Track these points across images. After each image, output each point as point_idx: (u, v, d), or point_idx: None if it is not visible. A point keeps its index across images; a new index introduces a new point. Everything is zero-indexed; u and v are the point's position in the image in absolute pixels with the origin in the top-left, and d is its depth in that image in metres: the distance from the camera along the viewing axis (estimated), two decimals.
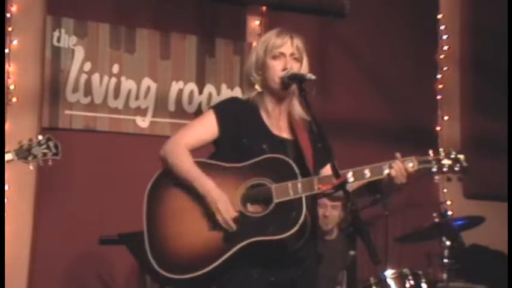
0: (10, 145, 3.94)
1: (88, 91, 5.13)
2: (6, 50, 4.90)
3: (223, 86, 5.48)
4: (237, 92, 5.54)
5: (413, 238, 5.03)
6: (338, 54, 5.91)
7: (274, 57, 3.11)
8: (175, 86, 5.40)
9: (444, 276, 4.79)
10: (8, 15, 4.93)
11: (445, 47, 6.33)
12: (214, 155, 3.13)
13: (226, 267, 2.93)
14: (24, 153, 3.54)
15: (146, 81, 5.31)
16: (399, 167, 3.04)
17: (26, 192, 4.92)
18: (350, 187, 2.99)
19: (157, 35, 5.37)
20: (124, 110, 5.24)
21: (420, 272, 4.54)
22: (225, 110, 3.14)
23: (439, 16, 6.36)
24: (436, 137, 6.27)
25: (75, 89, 5.09)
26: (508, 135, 5.70)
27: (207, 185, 2.98)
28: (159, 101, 5.32)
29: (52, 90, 5.04)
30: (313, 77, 3.06)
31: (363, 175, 3.04)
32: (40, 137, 3.59)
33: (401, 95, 6.15)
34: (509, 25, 6.02)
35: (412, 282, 4.44)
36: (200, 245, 2.96)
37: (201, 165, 3.04)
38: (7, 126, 4.74)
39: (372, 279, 4.39)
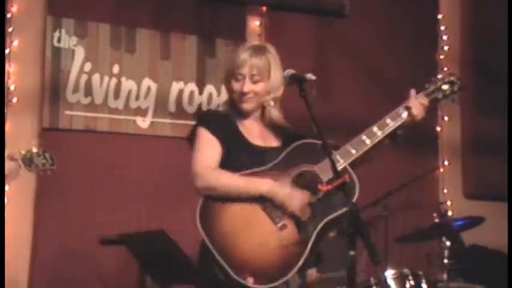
0: (10, 146, 3.93)
1: (88, 91, 5.13)
2: (7, 51, 4.90)
3: (224, 87, 5.47)
4: None
5: (413, 238, 5.02)
6: (338, 54, 5.91)
7: (236, 79, 3.20)
8: (176, 86, 5.40)
9: (445, 276, 4.78)
10: (9, 15, 4.93)
11: (445, 47, 6.33)
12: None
13: (313, 254, 3.01)
14: (28, 162, 3.67)
15: (147, 82, 5.31)
16: (417, 104, 3.30)
17: (26, 192, 4.91)
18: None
19: (157, 35, 5.37)
20: (124, 111, 5.23)
21: (420, 273, 4.53)
22: (216, 126, 3.17)
23: (439, 16, 6.36)
24: (436, 137, 6.27)
25: (75, 90, 5.09)
26: (508, 135, 5.70)
27: (264, 185, 3.01)
28: (159, 101, 5.32)
29: (52, 90, 5.03)
30: (313, 77, 3.08)
31: (386, 125, 3.30)
32: (35, 150, 3.72)
33: (401, 95, 6.12)
34: (509, 25, 6.02)
35: (412, 282, 4.43)
36: (278, 248, 2.96)
37: (247, 175, 3.06)
38: (7, 126, 4.74)
39: (372, 280, 4.39)
